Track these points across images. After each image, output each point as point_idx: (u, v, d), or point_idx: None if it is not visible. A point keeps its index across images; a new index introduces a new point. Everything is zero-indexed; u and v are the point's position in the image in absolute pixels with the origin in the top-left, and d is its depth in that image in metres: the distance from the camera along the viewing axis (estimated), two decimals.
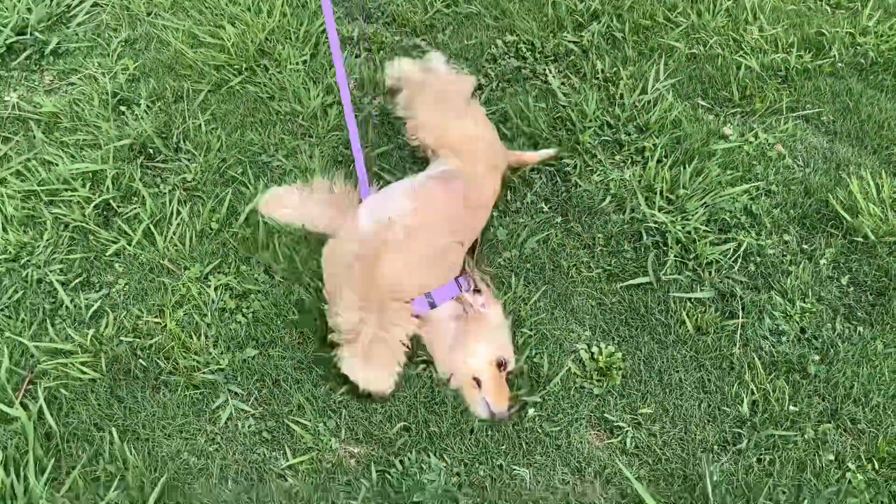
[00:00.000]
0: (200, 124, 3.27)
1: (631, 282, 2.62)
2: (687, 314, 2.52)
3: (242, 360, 2.45)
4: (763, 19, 3.74)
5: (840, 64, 3.52)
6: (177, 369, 2.43)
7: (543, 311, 2.57)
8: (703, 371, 2.40)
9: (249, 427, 2.30)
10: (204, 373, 2.41)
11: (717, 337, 2.48)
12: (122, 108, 3.36)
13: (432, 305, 2.42)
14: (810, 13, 3.85)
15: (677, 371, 2.40)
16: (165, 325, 2.54)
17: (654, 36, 3.68)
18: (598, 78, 3.48)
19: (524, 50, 3.65)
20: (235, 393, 2.38)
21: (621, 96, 3.34)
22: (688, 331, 2.49)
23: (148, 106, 3.37)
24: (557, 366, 2.41)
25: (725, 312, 2.55)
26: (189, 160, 3.13)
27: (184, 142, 3.20)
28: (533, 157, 3.04)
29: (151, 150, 3.16)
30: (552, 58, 3.62)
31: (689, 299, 2.57)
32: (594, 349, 2.44)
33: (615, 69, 3.48)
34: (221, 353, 2.47)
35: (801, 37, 3.64)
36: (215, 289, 2.64)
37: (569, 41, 3.66)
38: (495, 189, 2.79)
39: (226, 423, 2.31)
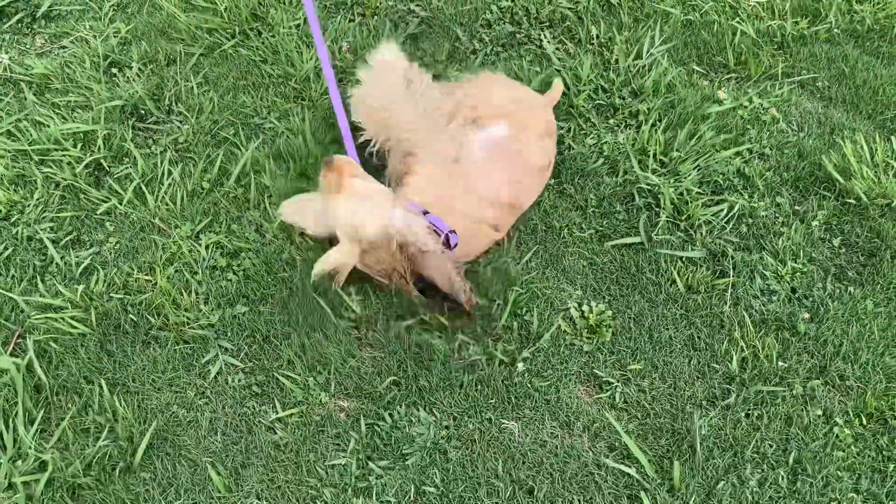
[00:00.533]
0: (193, 87, 3.25)
1: (622, 240, 2.62)
2: (678, 273, 2.52)
3: (233, 316, 2.45)
4: None
5: (836, 30, 3.50)
6: (167, 325, 2.43)
7: (535, 271, 2.57)
8: (693, 329, 2.40)
9: (239, 381, 2.30)
10: (194, 328, 2.41)
11: (707, 296, 2.48)
12: (114, 71, 3.34)
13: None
14: None
15: (667, 329, 2.40)
16: (156, 282, 2.53)
17: (649, 2, 3.66)
18: (592, 43, 3.46)
19: (519, 15, 3.63)
20: (225, 348, 2.38)
21: (616, 61, 3.33)
22: (678, 290, 2.49)
23: (140, 69, 3.35)
24: (548, 323, 2.41)
25: (717, 272, 2.55)
26: (181, 122, 3.11)
27: (176, 104, 3.19)
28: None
29: (143, 112, 3.15)
30: (547, 24, 3.60)
31: (681, 259, 2.57)
32: (584, 307, 2.44)
33: (610, 35, 3.46)
34: (212, 310, 2.47)
35: (797, 3, 3.62)
36: (206, 247, 2.64)
37: (564, 7, 3.63)
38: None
39: (215, 377, 2.32)
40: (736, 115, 3.08)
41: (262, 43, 3.45)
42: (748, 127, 3.03)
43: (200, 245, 2.63)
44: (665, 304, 2.46)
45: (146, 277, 2.56)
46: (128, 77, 3.30)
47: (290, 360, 2.33)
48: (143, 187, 2.84)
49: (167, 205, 2.79)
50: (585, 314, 2.43)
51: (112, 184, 2.86)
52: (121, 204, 2.79)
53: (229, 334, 2.41)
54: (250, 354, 2.38)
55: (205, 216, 2.74)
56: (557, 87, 3.10)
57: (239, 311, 2.45)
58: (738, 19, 3.54)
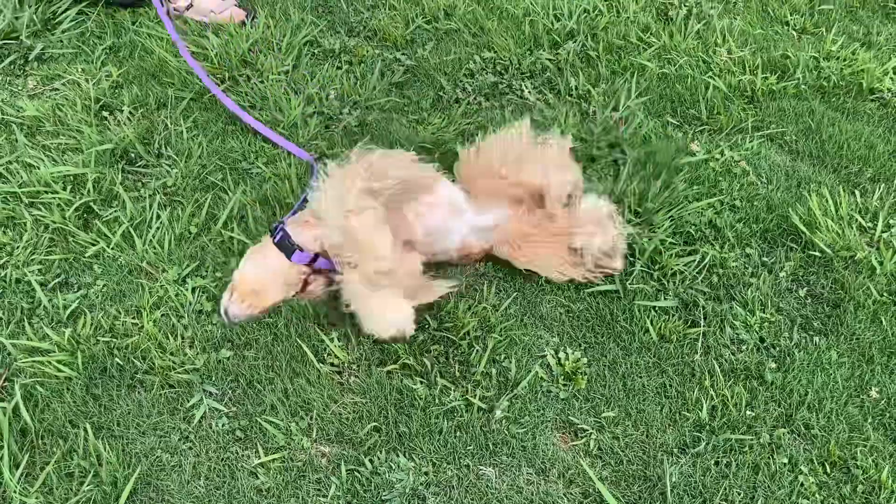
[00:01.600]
0: (182, 131, 3.33)
1: (598, 288, 2.71)
2: (651, 322, 2.60)
3: (217, 360, 2.50)
4: (732, 42, 3.88)
5: (804, 86, 3.66)
6: (153, 369, 2.47)
7: (513, 318, 2.65)
8: (665, 377, 2.49)
9: (223, 426, 2.35)
10: (179, 372, 2.46)
11: (679, 345, 2.57)
12: (105, 114, 3.42)
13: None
14: (777, 37, 4.00)
15: (640, 377, 2.48)
16: (143, 326, 2.58)
17: (626, 55, 3.81)
18: (571, 95, 3.59)
19: (501, 66, 3.76)
20: (210, 392, 2.43)
21: (594, 112, 3.45)
22: (651, 338, 2.58)
23: (131, 112, 3.43)
24: (525, 370, 2.49)
25: (688, 321, 2.64)
26: (170, 166, 3.18)
27: (165, 148, 3.26)
28: None
29: (133, 155, 3.22)
30: (528, 74, 3.73)
31: (654, 308, 2.66)
32: (561, 354, 2.52)
33: (587, 87, 3.59)
34: (197, 354, 2.52)
35: (767, 59, 3.78)
36: (193, 291, 2.69)
37: (545, 59, 3.77)
38: None
39: (199, 421, 2.36)
40: (708, 168, 3.20)
41: (251, 88, 3.55)
42: (720, 179, 3.15)
43: (187, 289, 2.69)
44: (639, 353, 2.55)
45: (133, 321, 2.61)
46: (118, 120, 3.38)
47: (273, 405, 2.39)
48: (132, 231, 2.90)
49: (155, 248, 2.84)
50: (562, 361, 2.51)
51: (101, 227, 2.92)
52: (109, 247, 2.85)
53: (214, 378, 2.46)
54: (234, 399, 2.42)
55: (192, 260, 2.80)
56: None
57: (224, 356, 2.50)
58: (710, 74, 3.70)
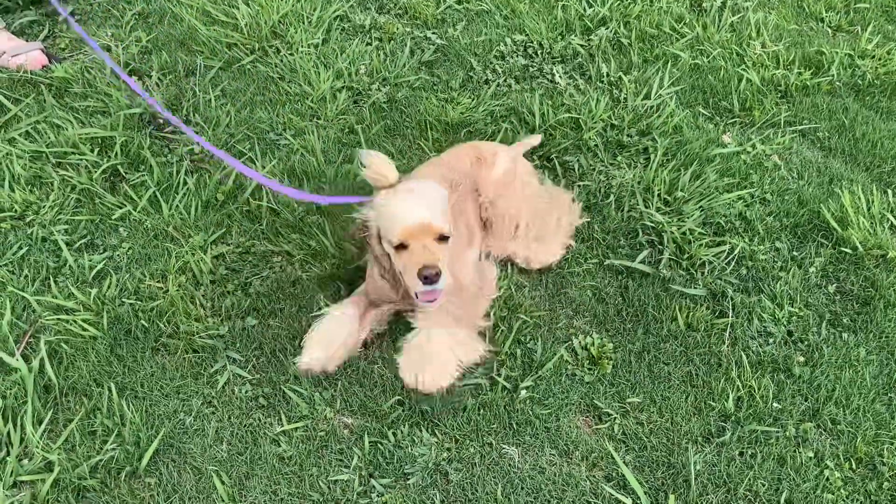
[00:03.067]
0: (210, 99, 3.31)
1: (626, 262, 2.70)
2: (679, 310, 2.58)
3: (242, 328, 2.49)
4: (766, 36, 3.84)
5: (838, 83, 3.62)
6: (177, 333, 2.46)
7: (540, 300, 2.63)
8: (691, 366, 2.46)
9: (246, 392, 2.34)
10: (203, 338, 2.45)
11: (706, 334, 2.55)
12: (134, 79, 3.39)
13: None
14: (812, 33, 3.96)
15: (667, 364, 2.46)
16: (167, 290, 2.57)
17: (659, 44, 3.77)
18: (602, 81, 3.56)
19: (532, 50, 3.73)
20: (234, 359, 2.42)
21: (625, 99, 3.42)
22: (679, 327, 2.55)
23: (159, 78, 3.41)
24: (550, 352, 2.47)
25: (716, 311, 2.62)
26: (198, 133, 3.16)
27: (193, 115, 3.25)
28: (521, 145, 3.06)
29: (161, 121, 3.20)
30: (559, 59, 3.70)
31: (682, 295, 2.64)
32: (587, 339, 2.50)
33: (619, 74, 3.56)
34: (222, 321, 2.51)
35: (801, 55, 3.74)
36: (218, 258, 2.68)
37: (577, 44, 3.74)
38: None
39: (223, 387, 2.35)
40: (739, 160, 3.17)
41: (281, 60, 3.53)
42: (751, 172, 3.12)
43: (212, 256, 2.67)
44: (665, 340, 2.53)
45: (158, 284, 2.60)
46: (147, 86, 3.36)
47: (297, 375, 2.37)
48: (158, 195, 2.89)
49: (181, 214, 2.83)
50: (587, 346, 2.49)
51: (127, 190, 2.90)
52: (135, 210, 2.84)
53: (238, 346, 2.45)
54: (258, 366, 2.41)
55: (218, 227, 2.79)
56: (536, 137, 3.16)
57: (249, 324, 2.49)
58: (743, 66, 3.65)
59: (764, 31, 3.86)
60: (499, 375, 2.39)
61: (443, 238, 2.19)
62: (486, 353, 2.42)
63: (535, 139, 3.12)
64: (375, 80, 3.49)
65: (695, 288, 2.67)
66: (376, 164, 2.22)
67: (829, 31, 4.03)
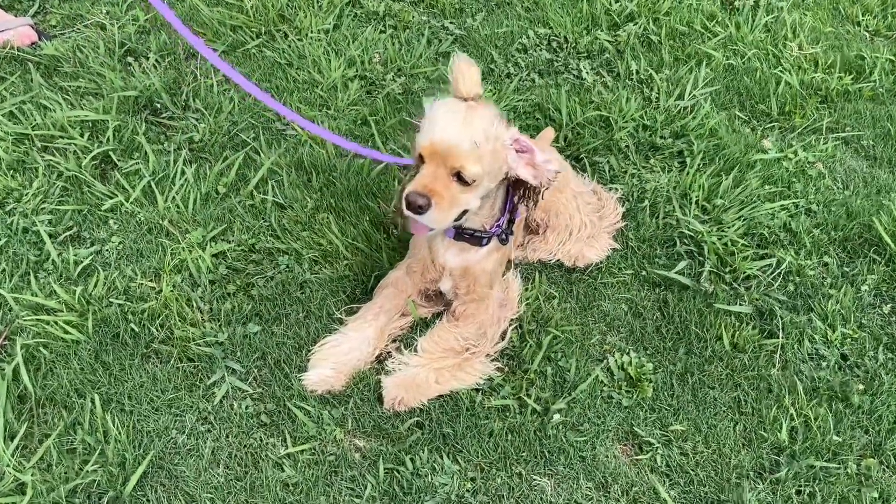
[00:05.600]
0: (212, 84, 3.06)
1: (666, 273, 2.48)
2: (724, 328, 2.35)
3: (244, 335, 2.24)
4: (802, 38, 3.63)
5: (881, 89, 3.41)
6: (170, 339, 2.21)
7: (571, 312, 2.40)
8: (739, 391, 2.24)
9: (246, 408, 2.09)
10: (200, 345, 2.20)
11: (754, 356, 2.32)
12: (129, 60, 3.14)
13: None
14: (849, 36, 3.75)
15: (712, 388, 2.23)
16: (161, 291, 2.32)
17: (691, 43, 3.55)
18: (632, 79, 3.34)
19: (556, 44, 3.50)
20: (233, 370, 2.17)
21: (657, 99, 3.19)
22: (724, 347, 2.33)
23: (157, 60, 3.15)
24: (584, 372, 2.23)
25: (764, 331, 2.39)
26: (198, 120, 2.91)
27: (193, 100, 2.99)
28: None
29: (158, 105, 2.94)
30: (585, 54, 3.47)
31: (727, 312, 2.41)
32: (623, 358, 2.27)
33: (649, 72, 3.33)
34: (221, 327, 2.26)
35: (841, 59, 3.53)
36: (217, 256, 2.43)
37: (604, 39, 3.51)
38: None
39: (221, 401, 2.10)
40: (781, 167, 2.95)
41: (289, 46, 3.28)
42: (793, 180, 2.90)
43: (211, 254, 2.42)
44: (710, 362, 2.30)
45: (150, 284, 2.35)
46: (144, 68, 3.11)
47: (303, 391, 2.12)
48: (153, 185, 2.64)
49: (178, 207, 2.58)
50: (624, 365, 2.26)
51: (119, 179, 2.65)
52: (127, 201, 2.58)
53: (238, 355, 2.20)
54: (260, 379, 2.16)
55: (219, 223, 2.54)
56: (548, 131, 2.91)
57: (251, 330, 2.24)
58: (780, 68, 3.44)
59: (800, 33, 3.65)
60: (528, 396, 2.16)
61: (462, 180, 1.85)
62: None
63: (549, 133, 2.88)
64: (390, 70, 3.25)
65: (740, 304, 2.44)
66: (461, 68, 1.90)
67: (867, 35, 3.83)
